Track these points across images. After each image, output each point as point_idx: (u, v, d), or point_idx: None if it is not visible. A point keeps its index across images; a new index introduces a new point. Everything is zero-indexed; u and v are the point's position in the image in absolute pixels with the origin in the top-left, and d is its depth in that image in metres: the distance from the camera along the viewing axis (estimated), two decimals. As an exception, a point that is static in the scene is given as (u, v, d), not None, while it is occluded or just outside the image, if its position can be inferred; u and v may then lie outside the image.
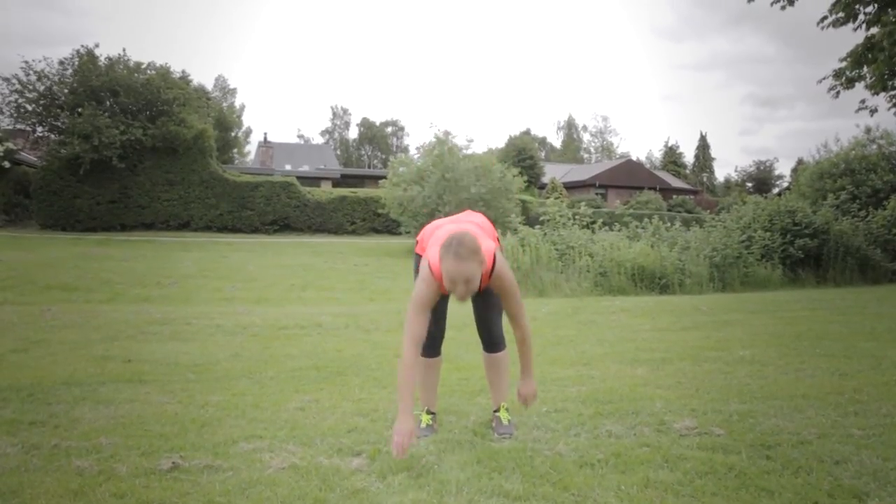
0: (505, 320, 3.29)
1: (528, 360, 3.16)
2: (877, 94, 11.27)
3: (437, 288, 2.92)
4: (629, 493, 2.37)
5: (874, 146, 18.95)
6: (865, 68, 11.17)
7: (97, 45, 22.73)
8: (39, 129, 23.08)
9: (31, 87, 21.77)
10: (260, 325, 7.51)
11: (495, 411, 3.30)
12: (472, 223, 3.25)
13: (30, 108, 22.00)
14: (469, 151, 20.20)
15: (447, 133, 20.15)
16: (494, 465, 2.72)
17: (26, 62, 21.68)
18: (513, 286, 3.06)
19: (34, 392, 4.02)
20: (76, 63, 22.04)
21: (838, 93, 11.61)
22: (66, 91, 21.89)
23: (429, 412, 3.32)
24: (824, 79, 11.83)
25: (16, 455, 2.83)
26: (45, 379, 4.43)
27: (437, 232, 3.17)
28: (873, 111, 11.68)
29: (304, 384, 4.41)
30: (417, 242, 3.36)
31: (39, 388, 4.15)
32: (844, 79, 11.44)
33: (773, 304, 9.50)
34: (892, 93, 11.25)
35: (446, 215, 18.46)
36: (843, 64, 11.46)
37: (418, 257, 3.28)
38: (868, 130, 19.33)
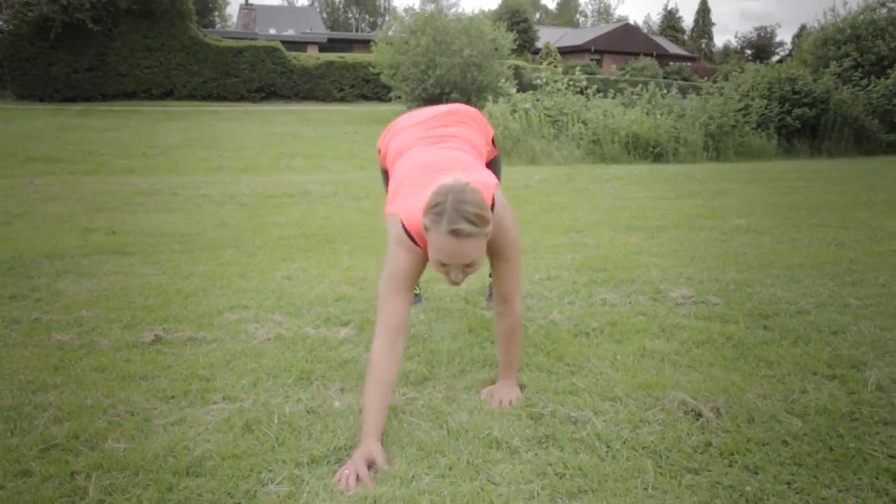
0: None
1: (514, 358, 2.13)
2: None
3: (419, 256, 1.96)
4: (625, 363, 2.32)
5: (884, 10, 18.11)
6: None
7: None
8: (-1, -12, 21.68)
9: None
10: (248, 194, 7.38)
11: (490, 275, 3.18)
12: (458, 141, 2.30)
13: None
14: (460, 11, 19.31)
15: None
16: (486, 334, 2.67)
17: None
18: (514, 241, 2.05)
19: (15, 265, 3.93)
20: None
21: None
22: (23, -57, 20.35)
23: None
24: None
25: (-4, 328, 2.76)
26: (27, 252, 4.32)
27: (411, 164, 2.15)
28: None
29: (292, 253, 4.33)
30: (379, 151, 2.52)
31: (21, 261, 4.05)
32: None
33: (769, 173, 9.40)
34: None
35: (433, 87, 17.57)
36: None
37: (385, 175, 2.47)
38: (881, -8, 18.39)
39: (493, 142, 2.57)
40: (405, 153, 2.25)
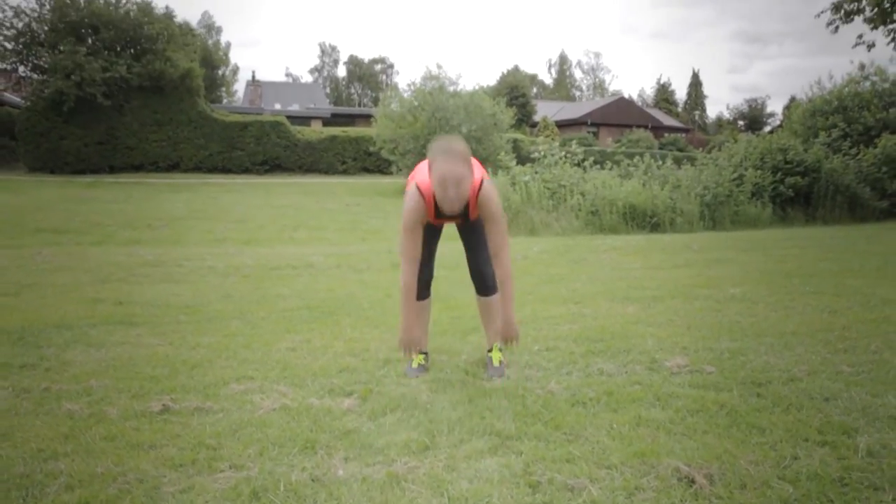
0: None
1: (509, 300, 3.05)
2: (875, 28, 11.02)
3: (424, 206, 2.96)
4: (621, 432, 2.38)
5: (867, 83, 18.74)
6: (864, 1, 10.89)
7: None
8: (21, 68, 22.48)
9: (8, 25, 21.13)
10: (251, 266, 7.49)
11: (488, 351, 3.30)
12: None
13: (9, 46, 21.39)
14: (459, 87, 19.90)
15: (439, 66, 19.84)
16: (486, 404, 2.72)
17: None
18: (499, 212, 3.02)
19: (25, 335, 4.00)
20: (53, -2, 21.37)
21: (837, 27, 11.36)
22: (45, 28, 21.25)
23: (421, 352, 3.32)
24: (823, 12, 11.58)
25: (6, 398, 2.82)
26: (35, 322, 4.41)
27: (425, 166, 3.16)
28: (871, 46, 11.47)
29: (296, 324, 4.41)
30: (409, 182, 3.20)
31: (30, 331, 4.13)
32: (843, 12, 11.17)
33: (763, 242, 9.53)
34: (891, 27, 10.98)
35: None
36: (842, -3, 11.19)
37: None
38: (862, 67, 19.04)
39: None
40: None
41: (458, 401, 2.78)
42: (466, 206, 2.99)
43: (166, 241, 10.60)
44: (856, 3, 10.96)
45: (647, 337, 3.79)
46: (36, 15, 21.40)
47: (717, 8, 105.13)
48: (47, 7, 21.40)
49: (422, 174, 3.01)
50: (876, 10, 10.67)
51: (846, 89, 18.14)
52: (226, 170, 23.88)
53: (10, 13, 21.10)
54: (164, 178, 21.66)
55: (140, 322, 4.49)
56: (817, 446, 2.23)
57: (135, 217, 12.91)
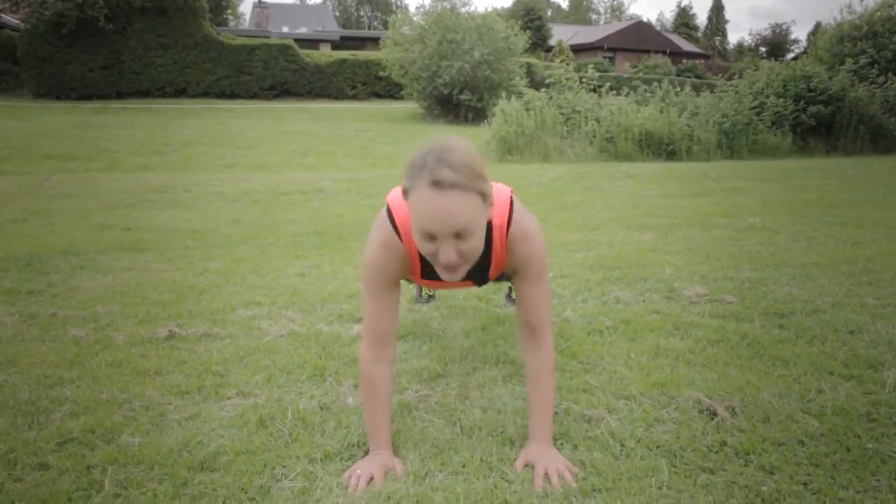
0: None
1: (548, 406, 1.75)
2: None
3: (400, 259, 1.68)
4: (639, 361, 2.31)
5: (902, 6, 17.98)
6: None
7: None
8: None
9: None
10: (260, 192, 7.40)
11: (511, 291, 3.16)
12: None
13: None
14: (471, 9, 19.29)
15: None
16: (500, 332, 2.66)
17: None
18: (538, 256, 1.71)
19: (32, 261, 3.96)
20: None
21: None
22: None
23: None
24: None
25: (13, 324, 2.78)
26: (43, 248, 4.36)
27: None
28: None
29: (305, 250, 4.34)
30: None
31: (37, 257, 4.09)
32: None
33: (783, 172, 9.33)
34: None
35: (443, 86, 17.68)
36: None
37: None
38: (898, -11, 18.25)
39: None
40: None
41: (470, 328, 2.72)
42: (484, 264, 1.72)
43: (175, 167, 10.50)
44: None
45: (665, 265, 3.69)
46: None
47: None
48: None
49: (395, 192, 1.69)
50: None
51: (878, 13, 17.41)
52: (234, 95, 23.50)
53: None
54: (173, 103, 21.35)
55: (147, 248, 4.43)
56: (843, 380, 2.15)
57: (143, 143, 12.76)
